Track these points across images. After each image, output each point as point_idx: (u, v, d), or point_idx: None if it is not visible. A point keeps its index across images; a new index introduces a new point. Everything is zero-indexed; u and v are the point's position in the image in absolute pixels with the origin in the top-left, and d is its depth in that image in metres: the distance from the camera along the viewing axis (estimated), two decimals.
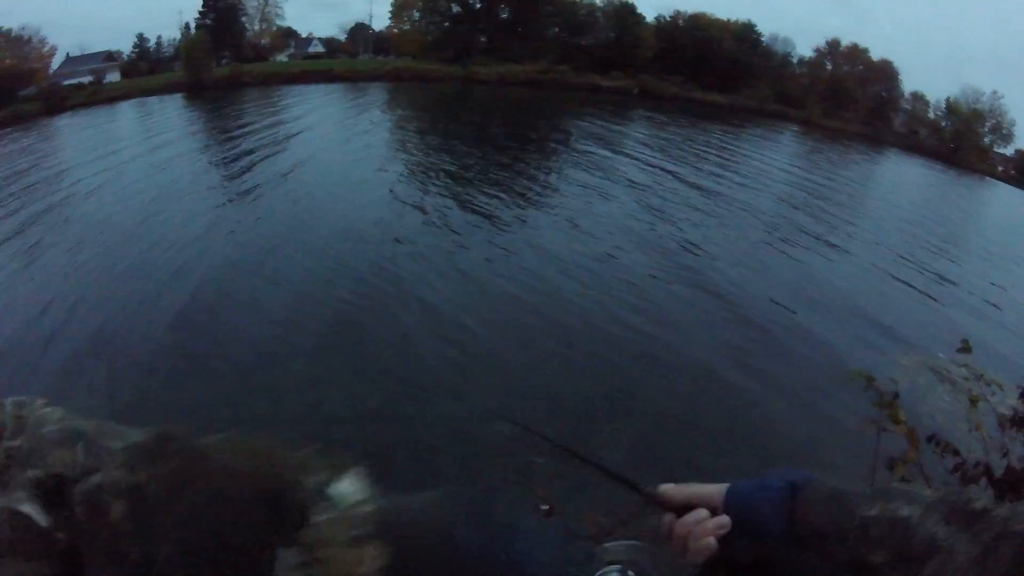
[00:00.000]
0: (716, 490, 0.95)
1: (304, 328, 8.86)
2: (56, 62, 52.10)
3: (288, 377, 7.58)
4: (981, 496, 0.70)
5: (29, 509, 0.24)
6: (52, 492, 0.24)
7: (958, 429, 4.47)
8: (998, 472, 4.21)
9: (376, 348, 8.42)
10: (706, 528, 0.90)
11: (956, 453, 3.95)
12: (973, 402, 4.06)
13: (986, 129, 70.31)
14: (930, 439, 3.92)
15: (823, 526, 0.79)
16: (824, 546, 0.77)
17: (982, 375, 4.86)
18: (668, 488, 0.98)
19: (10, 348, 8.26)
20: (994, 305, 14.12)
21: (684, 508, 0.96)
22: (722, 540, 0.90)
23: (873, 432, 3.26)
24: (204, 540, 0.25)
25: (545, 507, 4.96)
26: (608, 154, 23.87)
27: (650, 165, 22.71)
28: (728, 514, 0.90)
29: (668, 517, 0.97)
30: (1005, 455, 4.54)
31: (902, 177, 39.75)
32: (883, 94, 72.54)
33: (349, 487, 0.31)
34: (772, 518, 0.85)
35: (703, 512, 0.92)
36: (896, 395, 3.40)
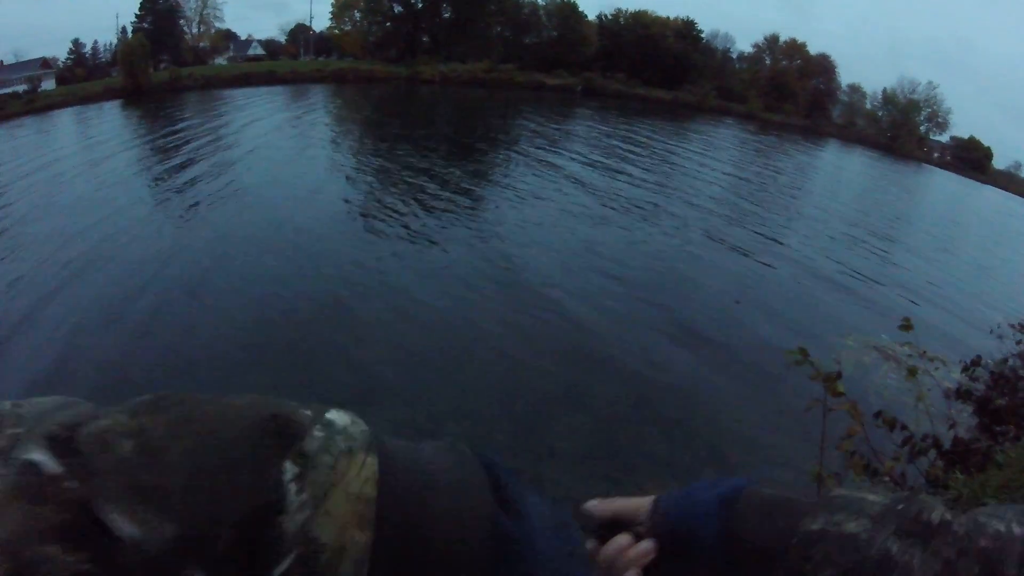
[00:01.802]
0: (642, 504, 0.85)
1: (259, 333, 8.66)
2: None
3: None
4: (935, 504, 0.64)
5: (39, 457, 0.22)
6: (61, 441, 0.23)
7: (905, 405, 4.50)
8: (947, 444, 4.24)
9: (319, 354, 8.24)
10: (629, 558, 0.81)
11: (904, 427, 3.95)
12: (911, 373, 4.06)
13: (922, 118, 72.57)
14: (876, 415, 3.90)
15: (761, 543, 0.71)
16: (763, 566, 0.70)
17: (924, 352, 4.90)
18: (592, 505, 0.89)
19: None
20: (934, 285, 14.47)
21: (611, 527, 0.87)
22: (649, 565, 0.81)
23: (819, 411, 3.20)
24: (212, 462, 0.24)
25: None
26: (549, 153, 23.87)
27: (591, 164, 22.77)
28: (654, 533, 0.81)
29: (591, 544, 0.87)
30: (952, 427, 4.58)
31: (841, 166, 40.70)
32: (821, 87, 74.36)
33: (342, 415, 0.29)
34: (702, 536, 0.77)
35: (624, 539, 0.83)
36: (839, 373, 3.36)
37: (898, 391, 6.32)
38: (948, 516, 0.62)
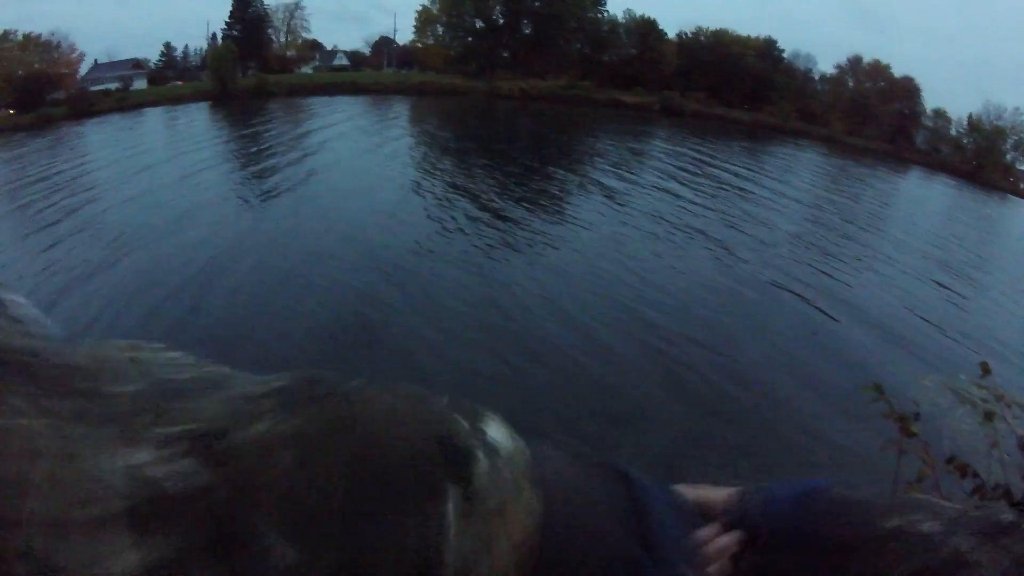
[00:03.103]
0: (715, 496, 0.88)
1: (325, 328, 9.13)
2: (84, 68, 52.83)
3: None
4: (1006, 509, 0.66)
5: (183, 466, 0.26)
6: (211, 445, 0.27)
7: (979, 452, 4.63)
8: (1018, 495, 4.34)
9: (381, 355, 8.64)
10: (717, 547, 0.83)
11: (975, 475, 4.03)
12: (988, 417, 4.07)
13: (1008, 146, 69.88)
14: (949, 460, 4.00)
15: (839, 538, 0.73)
16: (840, 560, 0.71)
17: (1003, 396, 4.94)
18: (679, 489, 0.89)
19: None
20: (1016, 327, 14.19)
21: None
22: (732, 557, 0.83)
23: (894, 452, 3.30)
24: (375, 478, 0.29)
25: None
26: (629, 172, 23.98)
27: (675, 181, 22.84)
28: (737, 525, 0.83)
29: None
30: None
31: (925, 195, 39.63)
32: (905, 111, 72.13)
33: (499, 432, 0.37)
34: (781, 530, 0.78)
35: (713, 528, 0.85)
36: (917, 414, 3.48)
37: (972, 436, 6.35)
38: (1018, 518, 0.64)
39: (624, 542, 0.54)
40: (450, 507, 0.32)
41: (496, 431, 0.39)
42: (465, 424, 0.37)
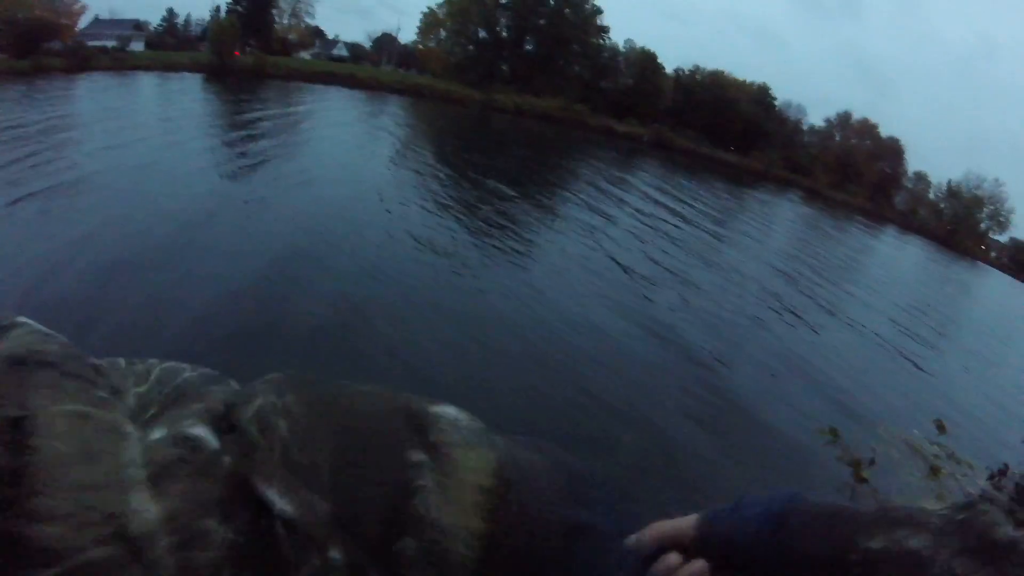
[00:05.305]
0: (686, 524, 0.81)
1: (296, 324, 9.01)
2: (84, 22, 52.33)
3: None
4: (999, 519, 0.63)
5: (197, 433, 0.32)
6: (220, 418, 0.34)
7: (926, 504, 4.77)
8: None
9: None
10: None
11: None
12: (935, 472, 4.21)
13: (984, 215, 71.45)
14: None
15: (817, 558, 0.69)
16: None
17: (953, 453, 5.15)
18: (633, 539, 0.83)
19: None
20: (972, 391, 14.48)
21: (654, 551, 0.82)
22: None
23: (847, 495, 3.32)
24: (356, 445, 0.35)
25: None
26: (612, 204, 24.15)
27: (651, 218, 23.02)
28: (703, 551, 0.78)
29: (636, 567, 0.83)
30: None
31: (898, 255, 40.33)
32: (888, 171, 73.52)
33: (453, 410, 0.44)
34: (753, 553, 0.74)
35: (674, 558, 0.79)
36: (872, 460, 3.59)
37: (920, 490, 6.51)
38: (1014, 533, 0.62)
39: (566, 505, 0.61)
40: (416, 459, 0.39)
41: (451, 410, 0.48)
42: (425, 405, 0.46)
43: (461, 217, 16.41)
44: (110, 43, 50.94)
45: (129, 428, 0.30)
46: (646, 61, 68.65)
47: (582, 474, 0.58)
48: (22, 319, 0.42)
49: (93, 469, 0.33)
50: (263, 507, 0.30)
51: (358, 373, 8.26)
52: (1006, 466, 5.85)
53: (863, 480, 3.41)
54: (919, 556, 0.61)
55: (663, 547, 0.80)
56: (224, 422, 0.32)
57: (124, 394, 0.33)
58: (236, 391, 0.36)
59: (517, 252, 14.43)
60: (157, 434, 0.31)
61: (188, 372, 0.39)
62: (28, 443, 0.32)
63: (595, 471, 0.64)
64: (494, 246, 14.39)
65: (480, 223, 16.15)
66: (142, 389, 0.34)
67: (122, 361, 0.39)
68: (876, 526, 0.65)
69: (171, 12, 66.49)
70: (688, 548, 0.78)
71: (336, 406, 0.36)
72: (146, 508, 0.34)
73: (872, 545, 0.64)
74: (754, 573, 0.73)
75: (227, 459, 0.30)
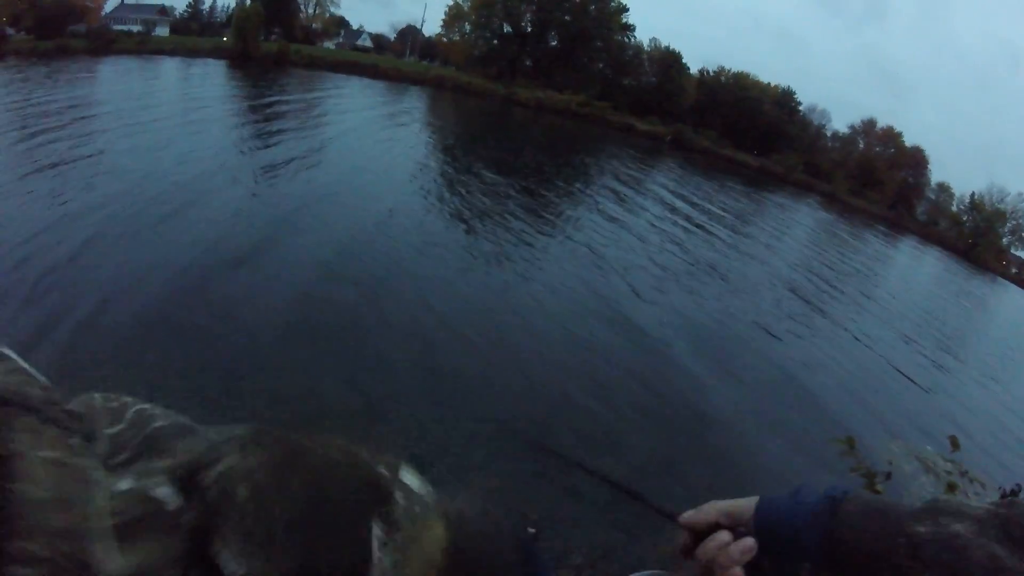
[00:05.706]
0: (743, 505, 0.87)
1: (307, 317, 8.95)
2: (110, 6, 53.09)
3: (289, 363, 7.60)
4: None
5: (162, 493, 0.32)
6: (184, 479, 0.34)
7: None
8: None
9: (388, 348, 8.56)
10: (730, 555, 0.82)
11: None
12: (950, 488, 4.16)
13: (1006, 229, 70.68)
14: None
15: (866, 544, 0.72)
16: (868, 566, 0.72)
17: (966, 472, 5.08)
18: (690, 514, 0.91)
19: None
20: (988, 408, 14.33)
21: (708, 528, 0.88)
22: (750, 563, 0.82)
23: None
24: (314, 516, 0.34)
25: (532, 530, 5.13)
26: (630, 203, 24.04)
27: (669, 219, 22.92)
28: (757, 533, 0.82)
29: (685, 540, 0.90)
30: None
31: (917, 266, 40.03)
32: (910, 180, 72.95)
33: (412, 479, 0.44)
34: (807, 536, 0.78)
35: (725, 535, 0.84)
36: (888, 474, 3.53)
37: None
38: None
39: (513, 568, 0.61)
40: (375, 533, 0.43)
41: (410, 478, 0.51)
42: (386, 472, 0.50)
43: (475, 208, 16.40)
44: (135, 27, 51.42)
45: (100, 475, 0.35)
46: (670, 60, 68.30)
47: (526, 541, 0.62)
48: (5, 350, 0.44)
49: (68, 516, 0.35)
50: (221, 565, 0.36)
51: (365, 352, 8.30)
52: (1019, 486, 5.77)
53: (877, 493, 3.27)
54: (963, 539, 0.66)
55: (719, 525, 0.87)
56: (189, 482, 0.37)
57: (97, 439, 0.38)
58: (203, 449, 0.40)
59: (528, 245, 14.44)
60: (124, 485, 0.35)
61: (160, 421, 0.43)
62: (9, 486, 0.33)
63: (537, 536, 0.65)
64: (508, 241, 14.37)
65: (497, 217, 16.11)
66: (115, 430, 0.39)
67: (98, 397, 0.43)
68: (924, 514, 0.71)
69: None
70: (742, 528, 0.85)
71: (301, 466, 0.40)
72: (113, 559, 0.36)
73: (919, 529, 0.70)
74: (806, 556, 0.79)
75: (190, 517, 0.35)
